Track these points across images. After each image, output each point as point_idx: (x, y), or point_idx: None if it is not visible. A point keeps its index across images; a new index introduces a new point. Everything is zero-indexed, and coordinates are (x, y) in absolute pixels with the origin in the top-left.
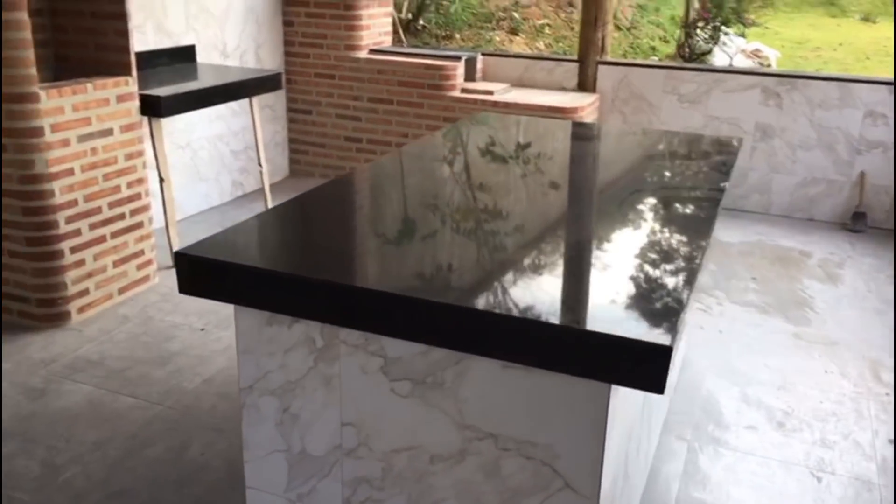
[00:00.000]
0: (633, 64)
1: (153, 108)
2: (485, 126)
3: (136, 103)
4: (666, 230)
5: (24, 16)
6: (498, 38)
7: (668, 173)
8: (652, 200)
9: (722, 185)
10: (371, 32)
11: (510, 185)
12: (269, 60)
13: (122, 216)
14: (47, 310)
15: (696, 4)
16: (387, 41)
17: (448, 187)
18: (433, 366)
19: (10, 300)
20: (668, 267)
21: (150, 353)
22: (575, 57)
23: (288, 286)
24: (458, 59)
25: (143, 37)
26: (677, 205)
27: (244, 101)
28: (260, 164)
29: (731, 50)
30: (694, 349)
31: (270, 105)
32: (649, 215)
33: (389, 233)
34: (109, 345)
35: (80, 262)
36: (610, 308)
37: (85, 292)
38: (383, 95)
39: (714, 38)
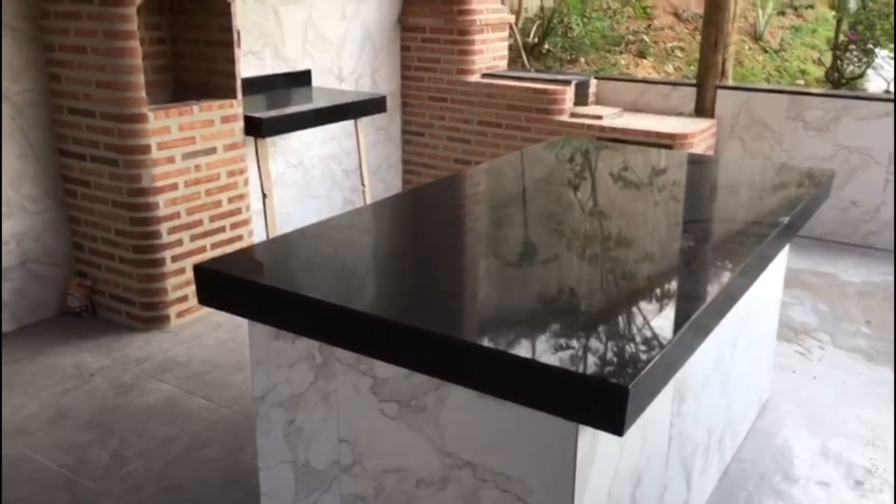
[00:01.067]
0: (755, 88)
1: (256, 129)
2: (549, 151)
3: (241, 124)
4: (682, 267)
5: (135, 44)
6: (623, 62)
7: (723, 205)
8: (684, 233)
9: (781, 219)
10: (485, 57)
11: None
12: (384, 84)
13: (222, 229)
14: (149, 313)
15: (845, 26)
16: (502, 65)
17: (444, 223)
18: (416, 389)
19: (118, 302)
20: (667, 306)
21: (231, 358)
22: (693, 81)
23: (284, 303)
24: (567, 83)
25: (262, 62)
26: (712, 240)
27: (361, 124)
28: (363, 184)
29: (888, 73)
30: (780, 395)
31: (385, 127)
32: (670, 250)
33: (393, 256)
34: (198, 349)
35: (181, 271)
36: (581, 342)
37: (184, 298)
38: (492, 119)
39: (866, 62)
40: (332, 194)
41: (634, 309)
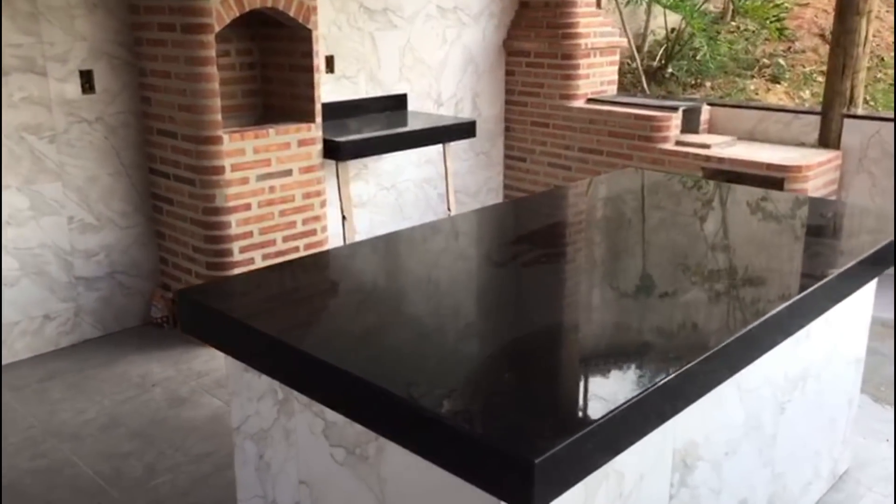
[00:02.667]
0: (888, 118)
1: (334, 152)
2: (622, 182)
3: (318, 147)
4: (673, 320)
5: (212, 70)
6: (752, 87)
7: (760, 253)
8: (695, 278)
9: (825, 272)
10: (590, 81)
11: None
12: (486, 108)
13: (295, 249)
14: None
15: None
16: (611, 90)
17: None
18: (359, 437)
19: None
20: (630, 370)
21: None
22: (817, 108)
23: (241, 336)
24: (674, 109)
25: (356, 86)
26: (729, 291)
27: (462, 148)
28: (448, 209)
29: None
30: (863, 466)
31: (486, 151)
32: (669, 300)
33: (353, 302)
34: None
35: None
36: (511, 405)
37: None
38: (593, 145)
39: None
40: (426, 217)
41: (588, 368)
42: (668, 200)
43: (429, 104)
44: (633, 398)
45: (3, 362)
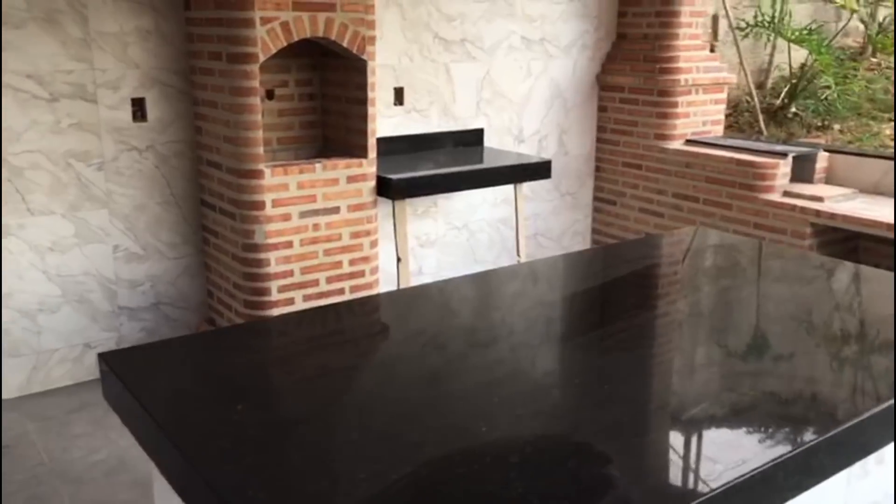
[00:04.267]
0: None
1: (386, 190)
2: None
3: (370, 184)
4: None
5: (255, 101)
6: (888, 132)
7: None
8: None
9: (844, 417)
10: (691, 121)
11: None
12: (575, 146)
13: (340, 291)
14: None
15: None
16: (715, 131)
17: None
18: None
19: None
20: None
21: None
22: None
23: (143, 427)
24: (783, 155)
25: (427, 120)
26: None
27: (545, 188)
28: (518, 254)
29: None
30: None
31: (573, 192)
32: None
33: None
34: None
35: None
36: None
37: None
38: (689, 192)
39: None
40: (500, 261)
41: (695, 438)
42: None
43: (508, 140)
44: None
45: (40, 389)
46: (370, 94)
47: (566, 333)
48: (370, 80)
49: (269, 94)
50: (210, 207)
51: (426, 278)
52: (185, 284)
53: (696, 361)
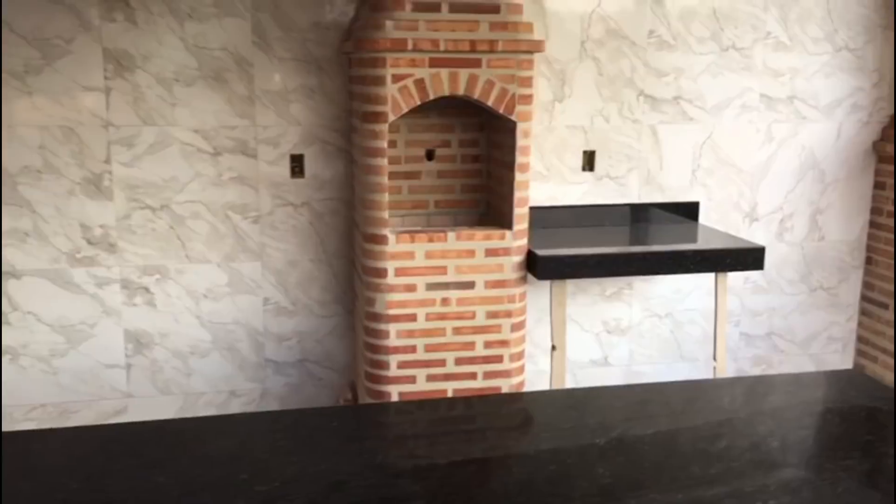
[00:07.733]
0: None
1: (532, 267)
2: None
3: (514, 259)
4: None
5: (382, 162)
6: None
7: None
8: None
9: None
10: None
11: None
12: (835, 231)
13: (471, 375)
14: None
15: None
16: None
17: None
18: None
19: None
20: None
21: None
22: None
23: None
24: None
25: (623, 189)
26: None
27: (788, 278)
28: (714, 359)
29: None
30: None
31: (831, 287)
32: None
33: None
34: None
35: None
36: None
37: None
38: None
39: None
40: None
41: None
42: None
43: (735, 218)
44: None
45: None
46: (520, 159)
47: None
48: (520, 143)
49: (430, 155)
50: (355, 269)
51: (613, 370)
52: (332, 345)
53: None
